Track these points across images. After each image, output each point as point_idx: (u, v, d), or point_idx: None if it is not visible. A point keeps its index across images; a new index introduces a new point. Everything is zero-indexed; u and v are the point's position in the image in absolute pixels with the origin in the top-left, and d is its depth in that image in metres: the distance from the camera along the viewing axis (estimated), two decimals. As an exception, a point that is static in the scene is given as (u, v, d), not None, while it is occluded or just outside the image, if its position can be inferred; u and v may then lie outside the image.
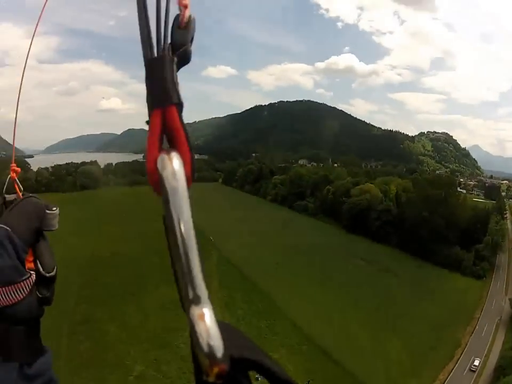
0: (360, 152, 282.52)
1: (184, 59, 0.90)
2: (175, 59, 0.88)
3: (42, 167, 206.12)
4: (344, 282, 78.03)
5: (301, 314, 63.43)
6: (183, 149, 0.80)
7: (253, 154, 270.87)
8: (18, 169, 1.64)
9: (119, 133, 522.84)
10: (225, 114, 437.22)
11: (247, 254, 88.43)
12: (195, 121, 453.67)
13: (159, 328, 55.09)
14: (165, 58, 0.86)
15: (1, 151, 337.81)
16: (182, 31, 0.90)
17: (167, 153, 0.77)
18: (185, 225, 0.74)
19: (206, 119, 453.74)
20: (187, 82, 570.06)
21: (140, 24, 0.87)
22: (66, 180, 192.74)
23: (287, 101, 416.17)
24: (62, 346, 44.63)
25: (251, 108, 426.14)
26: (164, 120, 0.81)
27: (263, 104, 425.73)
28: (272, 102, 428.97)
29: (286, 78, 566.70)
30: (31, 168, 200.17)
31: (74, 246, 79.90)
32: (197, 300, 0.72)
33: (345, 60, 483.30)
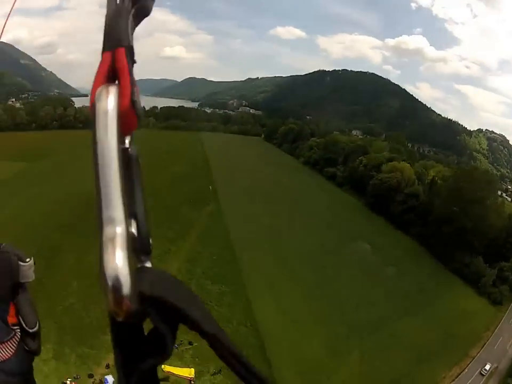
0: (415, 135, 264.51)
1: (143, 11, 1.03)
2: (132, 11, 1.00)
3: (87, 105, 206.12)
4: (333, 268, 68.54)
5: (260, 291, 56.79)
6: (124, 83, 0.84)
7: (307, 117, 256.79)
8: None
9: (179, 80, 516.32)
10: (288, 75, 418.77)
11: (246, 212, 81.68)
12: (257, 77, 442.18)
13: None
14: (122, 9, 0.99)
15: (55, 88, 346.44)
16: None
17: (106, 87, 0.83)
18: (107, 150, 0.74)
19: (269, 77, 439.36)
20: (254, 39, 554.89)
21: None
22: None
23: (351, 71, 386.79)
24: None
25: (314, 71, 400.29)
26: (113, 60, 0.89)
27: (326, 70, 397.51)
28: (337, 69, 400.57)
29: (355, 49, 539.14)
30: (74, 105, 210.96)
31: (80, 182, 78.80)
32: (111, 220, 0.67)
33: (416, 41, 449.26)
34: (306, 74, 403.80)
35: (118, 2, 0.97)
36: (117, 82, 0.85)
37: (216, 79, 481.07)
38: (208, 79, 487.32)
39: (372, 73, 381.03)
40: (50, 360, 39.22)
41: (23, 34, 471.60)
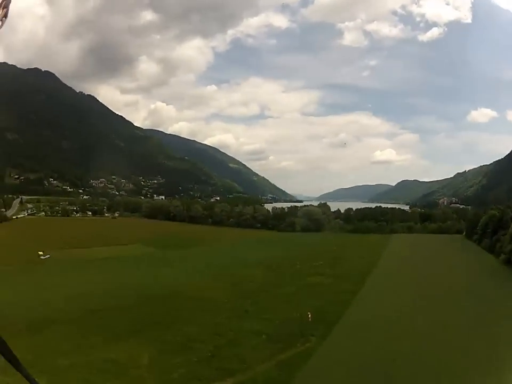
0: None
1: None
2: None
3: (278, 207, 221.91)
4: None
5: None
6: None
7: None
8: None
9: (393, 185, 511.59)
10: (491, 161, 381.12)
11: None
12: (465, 171, 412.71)
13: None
14: None
15: (269, 193, 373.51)
16: None
17: None
18: None
19: (475, 167, 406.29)
20: (455, 129, 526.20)
21: None
22: (285, 219, 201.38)
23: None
24: None
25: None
26: None
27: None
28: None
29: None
30: (264, 206, 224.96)
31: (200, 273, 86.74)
32: None
33: None
34: (506, 156, 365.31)
35: None
36: None
37: (429, 179, 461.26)
38: (420, 180, 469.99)
39: None
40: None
41: (229, 140, 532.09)
